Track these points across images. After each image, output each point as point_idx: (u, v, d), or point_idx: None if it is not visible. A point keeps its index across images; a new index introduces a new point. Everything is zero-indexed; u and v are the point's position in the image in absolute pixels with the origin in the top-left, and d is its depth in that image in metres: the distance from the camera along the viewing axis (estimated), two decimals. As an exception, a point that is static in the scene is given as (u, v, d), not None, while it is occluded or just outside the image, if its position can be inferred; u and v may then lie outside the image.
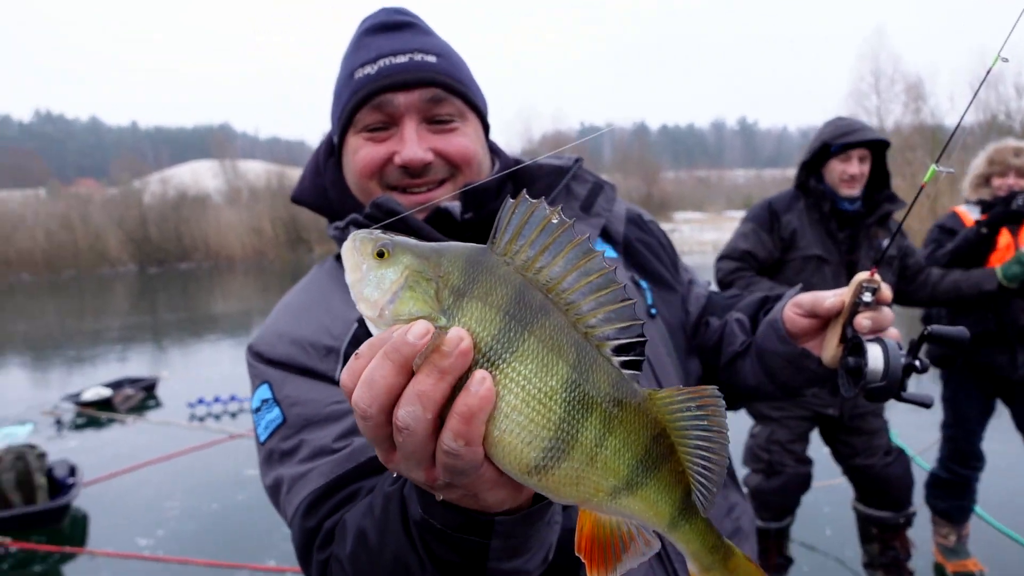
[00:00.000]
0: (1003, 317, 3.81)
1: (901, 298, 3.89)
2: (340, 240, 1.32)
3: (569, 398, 0.67)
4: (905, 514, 3.88)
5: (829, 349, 1.26)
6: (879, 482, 3.83)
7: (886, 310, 1.23)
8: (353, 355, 0.68)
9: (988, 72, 1.16)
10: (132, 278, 35.67)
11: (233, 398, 9.12)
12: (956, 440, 4.15)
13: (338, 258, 1.40)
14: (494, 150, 1.46)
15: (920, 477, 4.15)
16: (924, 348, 1.21)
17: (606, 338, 0.68)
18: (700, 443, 0.70)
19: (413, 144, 1.25)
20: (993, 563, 4.25)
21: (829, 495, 5.07)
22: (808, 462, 3.91)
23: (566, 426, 0.66)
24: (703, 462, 0.70)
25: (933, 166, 1.12)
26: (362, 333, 1.19)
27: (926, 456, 5.60)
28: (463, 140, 1.30)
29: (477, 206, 1.30)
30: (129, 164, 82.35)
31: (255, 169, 59.91)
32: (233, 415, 8.88)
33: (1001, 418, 4.19)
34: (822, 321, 1.28)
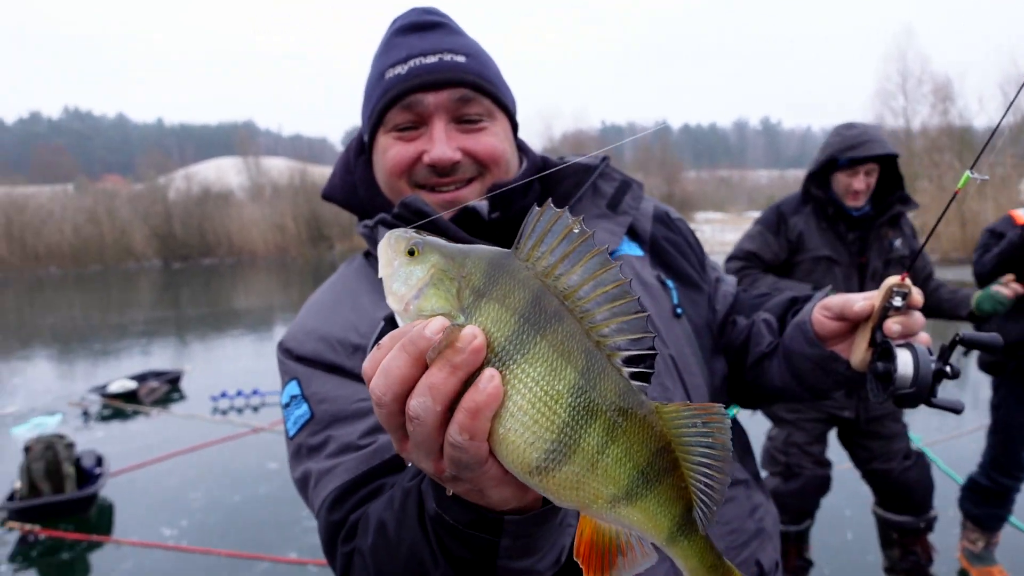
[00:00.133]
0: None
1: None
2: (368, 237, 1.33)
3: (574, 403, 0.67)
4: (926, 519, 3.82)
5: (858, 353, 1.25)
6: (898, 487, 3.79)
7: (917, 315, 1.21)
8: (376, 345, 0.70)
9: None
10: (156, 273, 36.27)
11: (255, 392, 9.23)
12: (1000, 447, 4.05)
13: (366, 255, 1.41)
14: (522, 148, 1.46)
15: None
16: (956, 353, 1.20)
17: (617, 348, 0.69)
18: (704, 459, 0.70)
19: (442, 144, 1.26)
20: (1021, 572, 4.15)
21: (851, 499, 5.01)
22: (827, 464, 3.87)
23: (569, 430, 0.67)
24: (705, 479, 0.70)
25: (967, 173, 1.11)
26: (388, 332, 1.20)
27: (935, 450, 5.49)
28: (491, 139, 1.31)
29: (504, 205, 1.30)
30: (154, 160, 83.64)
31: (278, 166, 60.51)
32: (255, 409, 8.98)
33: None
34: (851, 324, 1.27)
